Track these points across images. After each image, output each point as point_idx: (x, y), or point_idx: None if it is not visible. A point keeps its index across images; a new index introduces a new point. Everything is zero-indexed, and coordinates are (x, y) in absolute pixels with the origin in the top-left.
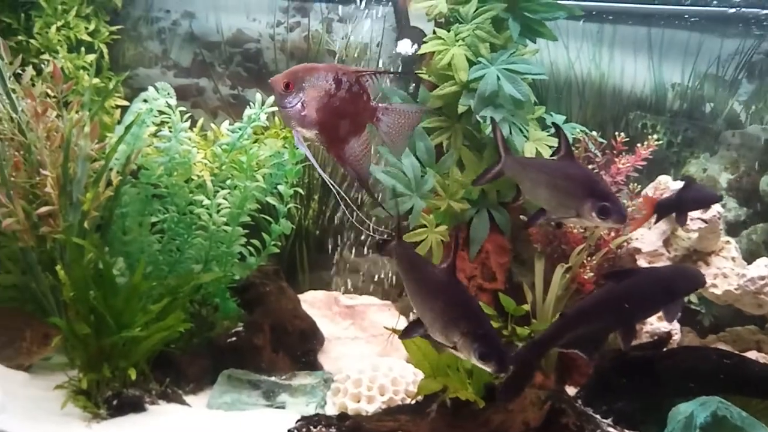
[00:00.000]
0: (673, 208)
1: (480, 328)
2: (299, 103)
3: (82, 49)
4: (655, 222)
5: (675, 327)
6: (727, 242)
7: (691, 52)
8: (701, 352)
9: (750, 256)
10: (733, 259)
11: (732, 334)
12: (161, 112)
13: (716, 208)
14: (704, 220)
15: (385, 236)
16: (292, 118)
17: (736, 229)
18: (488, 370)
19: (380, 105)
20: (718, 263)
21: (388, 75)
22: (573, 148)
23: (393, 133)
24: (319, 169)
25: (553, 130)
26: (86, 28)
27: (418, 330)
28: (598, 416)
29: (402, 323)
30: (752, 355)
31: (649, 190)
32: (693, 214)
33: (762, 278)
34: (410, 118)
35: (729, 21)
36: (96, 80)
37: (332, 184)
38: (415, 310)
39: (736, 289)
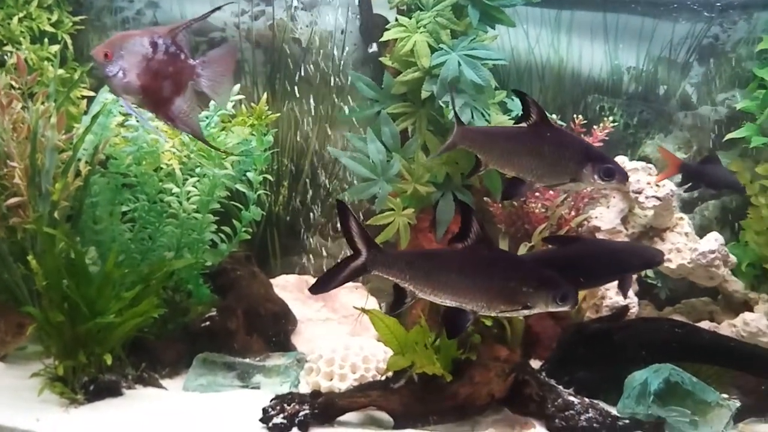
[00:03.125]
0: (696, 177)
1: (545, 276)
2: (120, 71)
3: (46, 40)
4: (680, 185)
5: (633, 300)
6: (681, 219)
7: (645, 36)
8: (655, 323)
9: (703, 231)
10: (686, 234)
11: (687, 305)
12: None
13: (669, 186)
14: (658, 198)
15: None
16: (116, 87)
17: (690, 206)
18: (566, 309)
19: (197, 61)
20: (673, 239)
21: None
22: None
23: (215, 85)
24: (145, 120)
25: (514, 114)
26: (49, 19)
27: (464, 320)
28: (560, 386)
29: (370, 304)
30: (705, 324)
31: None
32: (648, 192)
33: (712, 252)
34: (227, 62)
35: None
36: (61, 71)
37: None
38: (449, 301)
39: (689, 263)
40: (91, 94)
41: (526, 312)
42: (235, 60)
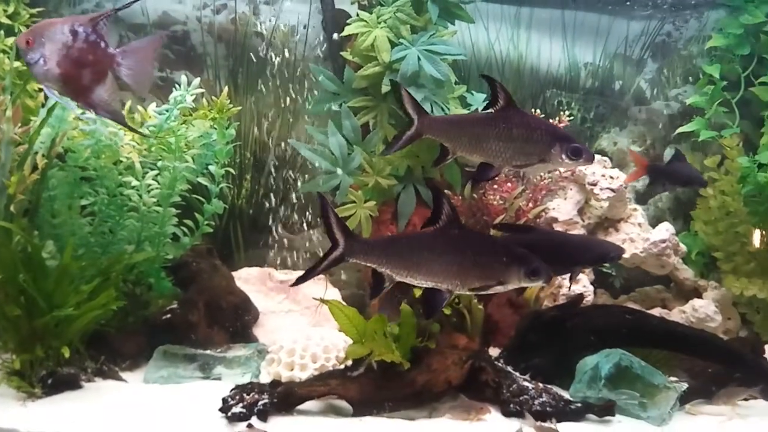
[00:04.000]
0: (663, 176)
1: (517, 252)
2: (41, 59)
3: (1, 32)
4: (649, 184)
5: (588, 289)
6: (635, 209)
7: (602, 33)
8: (607, 310)
9: (656, 222)
10: (639, 224)
11: (641, 293)
12: None
13: (623, 178)
14: (612, 190)
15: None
16: (37, 74)
17: (644, 197)
18: (538, 284)
19: (117, 50)
20: (626, 229)
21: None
22: None
23: (136, 74)
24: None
25: (473, 108)
26: (5, 11)
27: (440, 300)
28: (516, 373)
29: (330, 294)
30: (657, 311)
31: None
32: (603, 184)
33: (663, 241)
34: (148, 52)
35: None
36: (17, 63)
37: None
38: (428, 283)
39: (641, 253)
40: None
41: (501, 288)
42: (157, 51)
